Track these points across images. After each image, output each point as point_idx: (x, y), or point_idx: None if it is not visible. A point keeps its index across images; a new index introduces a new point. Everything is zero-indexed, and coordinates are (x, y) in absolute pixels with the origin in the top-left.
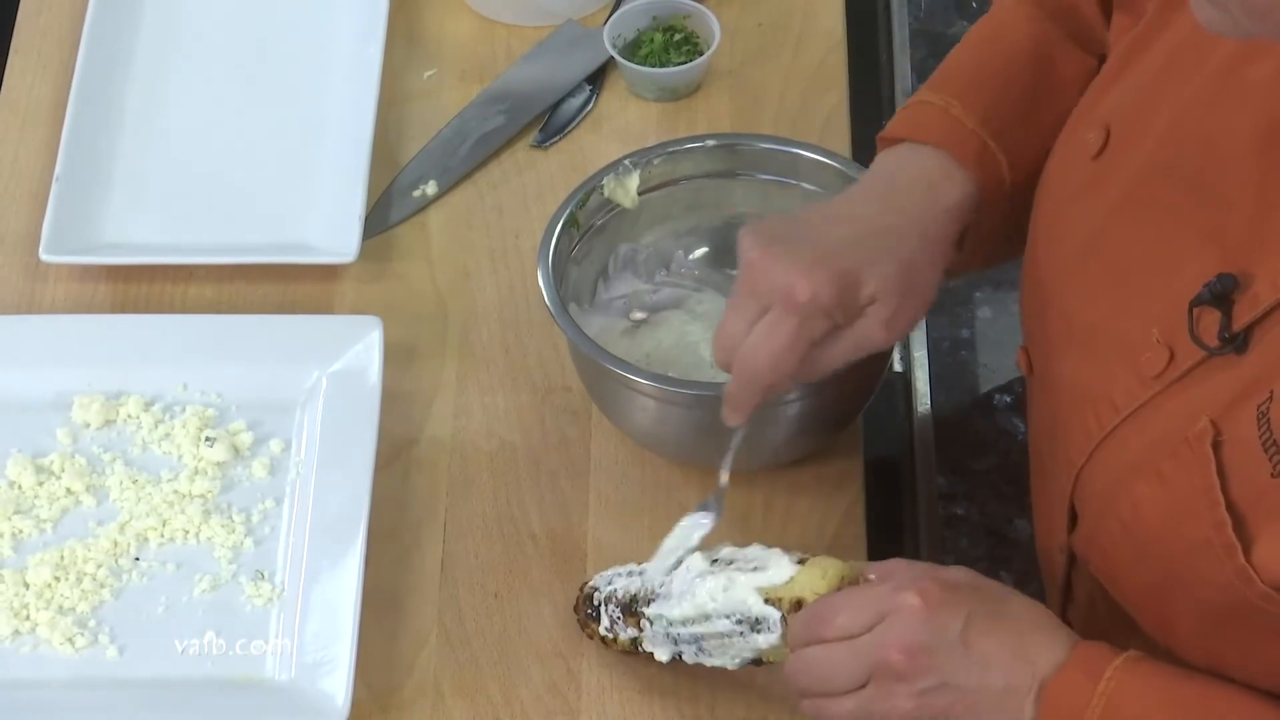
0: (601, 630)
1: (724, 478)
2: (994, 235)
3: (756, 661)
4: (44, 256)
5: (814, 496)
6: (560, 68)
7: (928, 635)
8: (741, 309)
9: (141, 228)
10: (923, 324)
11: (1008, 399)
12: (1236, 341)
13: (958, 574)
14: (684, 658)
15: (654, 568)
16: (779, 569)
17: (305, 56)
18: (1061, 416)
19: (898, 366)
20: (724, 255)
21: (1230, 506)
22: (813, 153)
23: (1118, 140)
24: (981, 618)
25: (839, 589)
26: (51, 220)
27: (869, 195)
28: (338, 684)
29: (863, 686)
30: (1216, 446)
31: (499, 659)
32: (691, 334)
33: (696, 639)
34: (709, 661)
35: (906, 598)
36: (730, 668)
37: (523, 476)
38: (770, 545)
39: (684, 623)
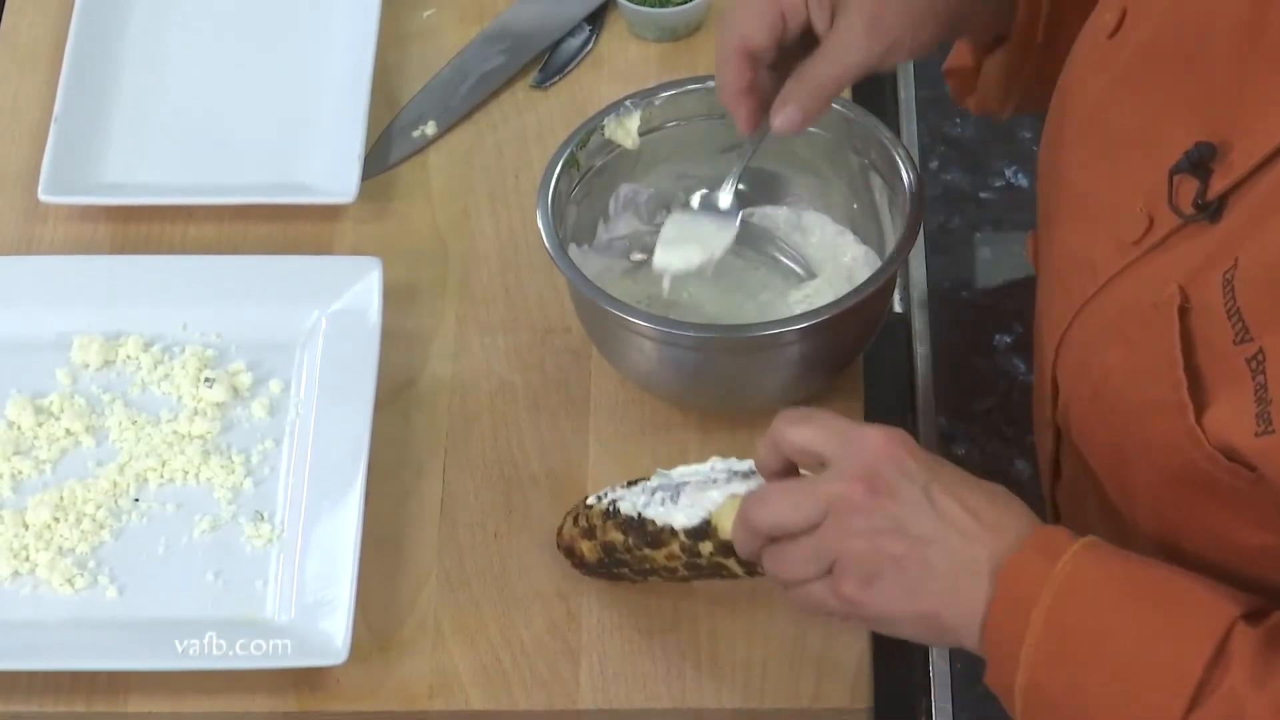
0: (584, 505)
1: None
2: (1021, 69)
3: (703, 535)
4: (43, 197)
5: None
6: (560, 8)
7: (891, 473)
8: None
9: (141, 168)
10: (922, 265)
11: (1008, 339)
12: (1210, 209)
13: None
14: (647, 511)
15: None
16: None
17: None
18: (1054, 285)
19: (898, 308)
20: None
21: (1191, 370)
22: None
23: (1131, 20)
24: (949, 478)
25: None
26: (50, 161)
27: None
28: (337, 624)
29: (817, 526)
30: (1184, 313)
31: (499, 599)
32: (689, 275)
33: (681, 480)
34: (664, 511)
35: (869, 436)
36: (677, 524)
37: (522, 417)
38: None
39: (684, 474)
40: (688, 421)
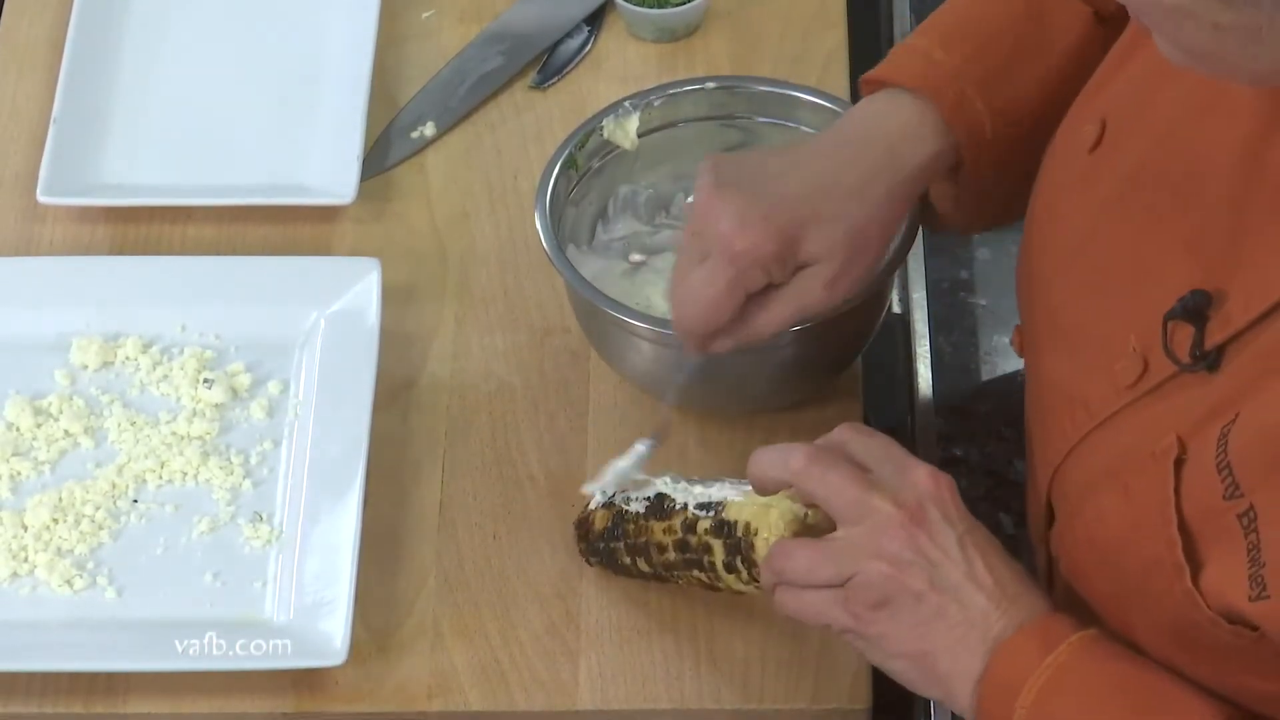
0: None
1: (665, 409)
2: (985, 194)
3: (721, 517)
4: (42, 198)
5: (813, 439)
6: (559, 8)
7: (934, 513)
8: (687, 249)
9: (140, 169)
10: (921, 265)
11: (1006, 341)
12: (1209, 359)
13: None
14: (659, 487)
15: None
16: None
17: None
18: (1044, 412)
19: (897, 308)
20: None
21: (1183, 527)
22: (812, 95)
23: (1113, 135)
24: (982, 539)
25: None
26: (49, 161)
27: (837, 145)
28: (336, 625)
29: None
30: (1179, 464)
31: (498, 600)
32: None
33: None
34: (683, 489)
35: (922, 476)
36: (697, 516)
37: (521, 418)
38: None
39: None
40: (686, 423)
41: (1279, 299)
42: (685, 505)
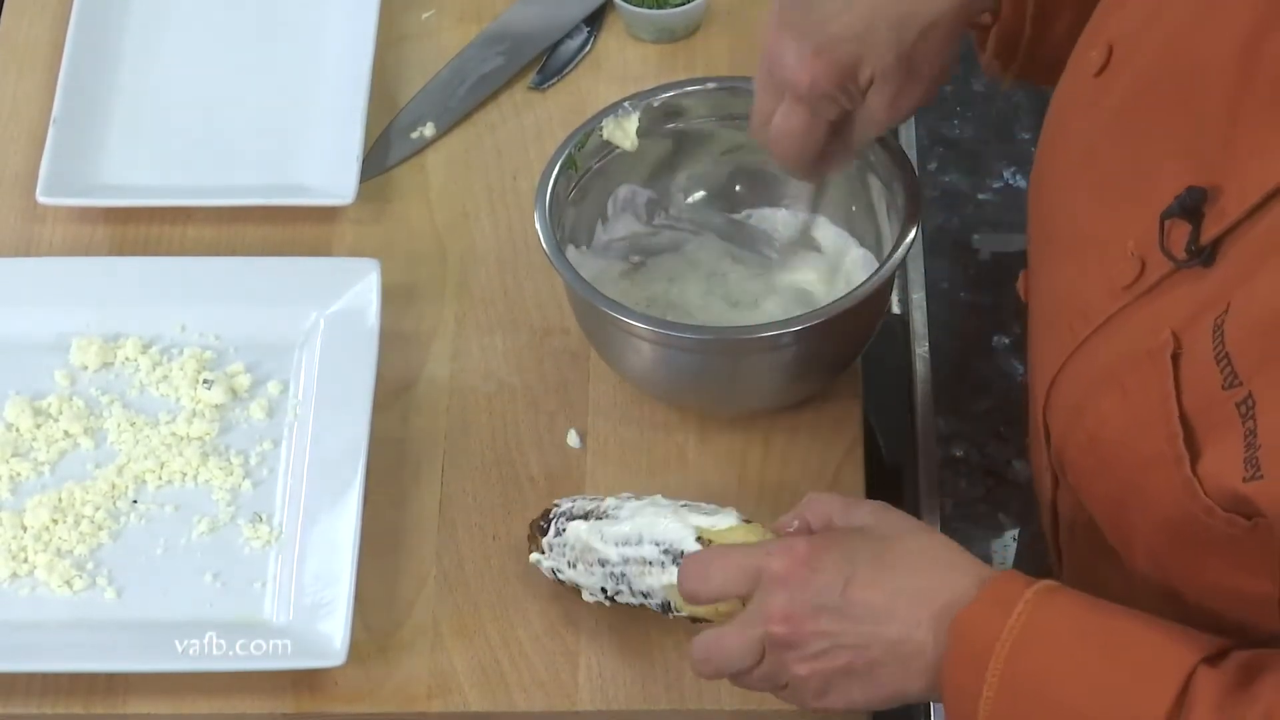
0: (544, 543)
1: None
2: (1019, 37)
3: (669, 607)
4: (41, 198)
5: (813, 439)
6: (558, 9)
7: (806, 598)
8: (764, 89)
9: (139, 170)
10: (921, 265)
11: (1006, 341)
12: (1204, 254)
13: (860, 515)
14: (607, 591)
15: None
16: (724, 518)
17: None
18: (1042, 329)
19: (896, 309)
20: (723, 198)
21: (1183, 419)
22: None
23: (1119, 58)
24: (865, 567)
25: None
26: (49, 162)
27: None
28: (336, 625)
29: (760, 661)
30: (1176, 359)
31: (497, 600)
32: (690, 277)
33: (624, 561)
34: (628, 596)
35: (772, 562)
36: (650, 607)
37: (521, 418)
38: (763, 492)
39: (616, 542)
40: (686, 423)
41: (1272, 188)
42: (617, 592)
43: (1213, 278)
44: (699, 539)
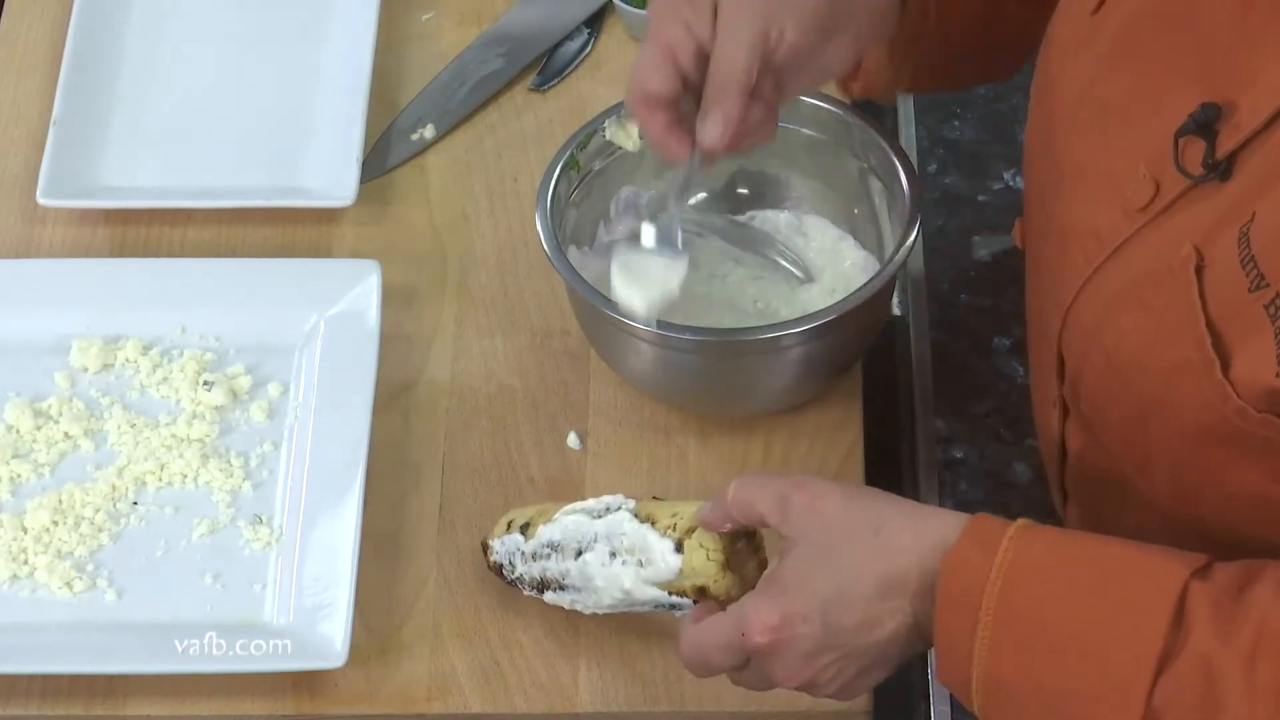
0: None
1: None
2: (921, 40)
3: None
4: (42, 200)
5: (813, 441)
6: (558, 11)
7: (798, 654)
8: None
9: (140, 171)
10: (921, 265)
11: (1006, 342)
12: (1220, 168)
13: (793, 517)
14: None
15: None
16: (663, 561)
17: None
18: (1051, 263)
19: (896, 310)
20: (725, 200)
21: (1210, 325)
22: (811, 96)
23: None
24: (832, 596)
25: (726, 561)
26: (50, 163)
27: None
28: (336, 627)
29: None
30: (1199, 271)
31: (497, 602)
32: (691, 278)
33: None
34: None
35: (754, 639)
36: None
37: (521, 419)
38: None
39: (611, 606)
40: (686, 425)
41: None
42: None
43: (1231, 190)
44: (672, 593)
